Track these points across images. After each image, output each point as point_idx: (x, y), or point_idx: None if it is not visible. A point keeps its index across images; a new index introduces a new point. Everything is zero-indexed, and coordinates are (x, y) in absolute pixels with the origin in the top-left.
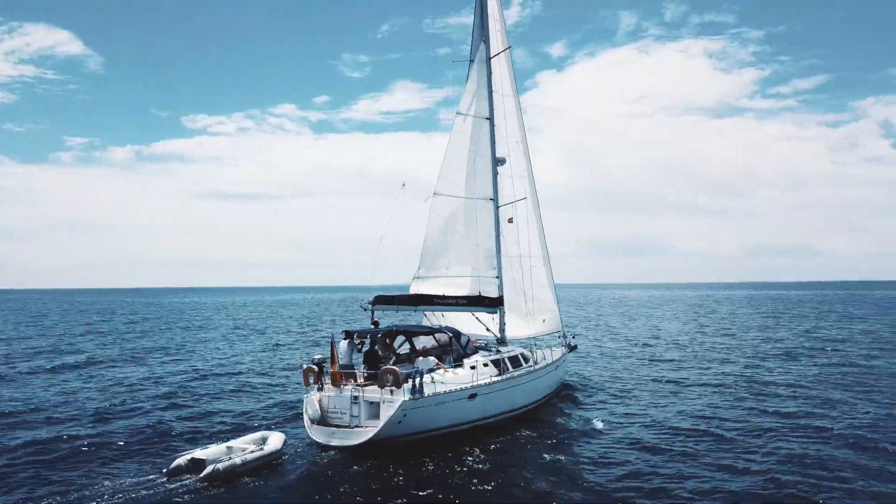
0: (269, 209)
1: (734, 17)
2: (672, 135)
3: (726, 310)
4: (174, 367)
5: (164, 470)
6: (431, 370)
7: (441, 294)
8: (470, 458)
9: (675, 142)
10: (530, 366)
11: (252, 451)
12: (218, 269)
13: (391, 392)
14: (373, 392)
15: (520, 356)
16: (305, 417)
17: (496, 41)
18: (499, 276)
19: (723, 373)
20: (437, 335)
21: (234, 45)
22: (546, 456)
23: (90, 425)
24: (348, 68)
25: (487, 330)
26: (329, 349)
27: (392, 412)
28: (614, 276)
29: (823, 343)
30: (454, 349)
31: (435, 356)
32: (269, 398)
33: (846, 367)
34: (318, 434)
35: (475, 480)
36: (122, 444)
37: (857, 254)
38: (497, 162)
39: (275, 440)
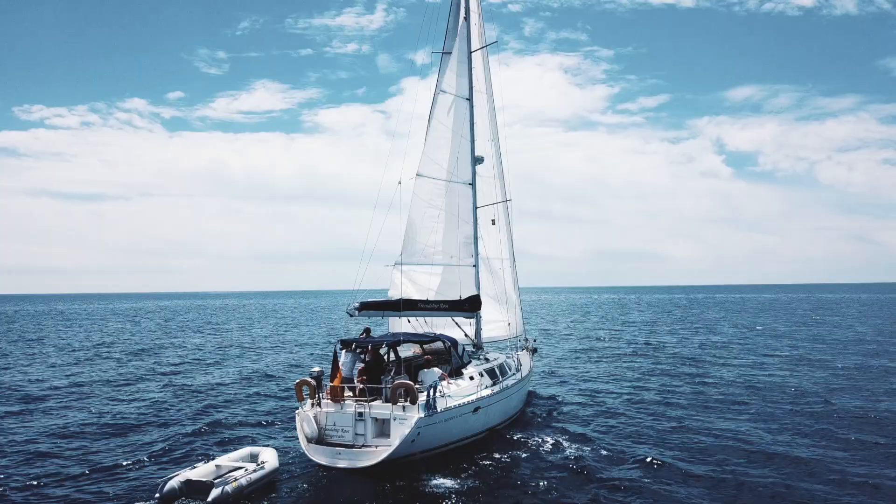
0: (110, 210)
1: (587, 35)
2: (529, 145)
3: (593, 311)
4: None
5: (157, 495)
6: (435, 383)
7: (425, 298)
8: (477, 471)
9: (533, 152)
10: (514, 373)
11: (254, 471)
12: (47, 275)
13: (403, 408)
14: (381, 408)
15: (504, 364)
16: (301, 436)
17: (475, 36)
18: (476, 265)
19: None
20: (426, 344)
21: (77, 31)
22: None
23: (56, 447)
24: (205, 64)
25: (465, 335)
26: (327, 360)
27: (408, 430)
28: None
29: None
30: (453, 359)
31: (428, 367)
32: (230, 411)
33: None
34: (318, 454)
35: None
36: (95, 465)
37: (693, 259)
38: (476, 160)
39: (270, 457)
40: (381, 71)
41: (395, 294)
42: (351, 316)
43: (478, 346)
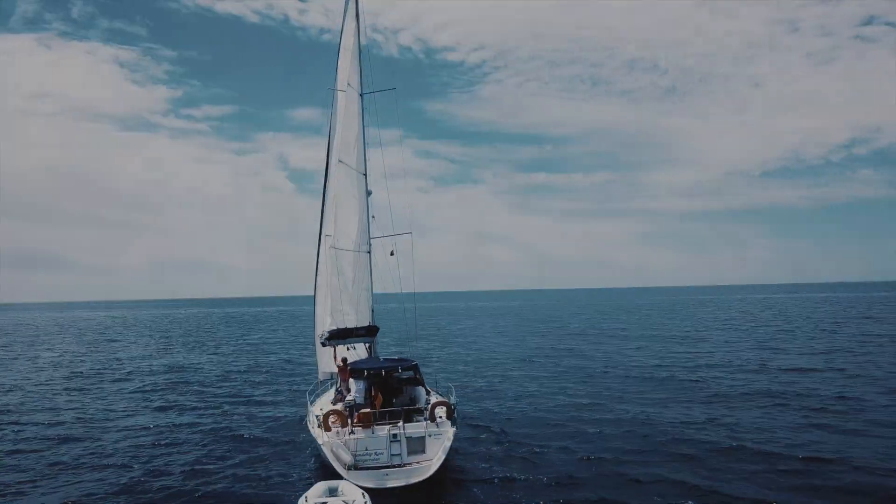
0: None
1: (147, 30)
2: (76, 141)
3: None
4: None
5: None
6: (456, 402)
7: (356, 326)
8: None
9: (80, 149)
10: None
11: None
12: None
13: (437, 425)
14: (414, 427)
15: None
16: (336, 465)
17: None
18: (369, 252)
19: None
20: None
21: None
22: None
23: None
24: None
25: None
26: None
27: (448, 442)
28: (4, 295)
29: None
30: (424, 381)
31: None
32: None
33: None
34: (365, 479)
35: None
36: None
37: (257, 269)
38: (367, 193)
39: (356, 490)
40: None
41: (329, 279)
42: (324, 345)
43: None
